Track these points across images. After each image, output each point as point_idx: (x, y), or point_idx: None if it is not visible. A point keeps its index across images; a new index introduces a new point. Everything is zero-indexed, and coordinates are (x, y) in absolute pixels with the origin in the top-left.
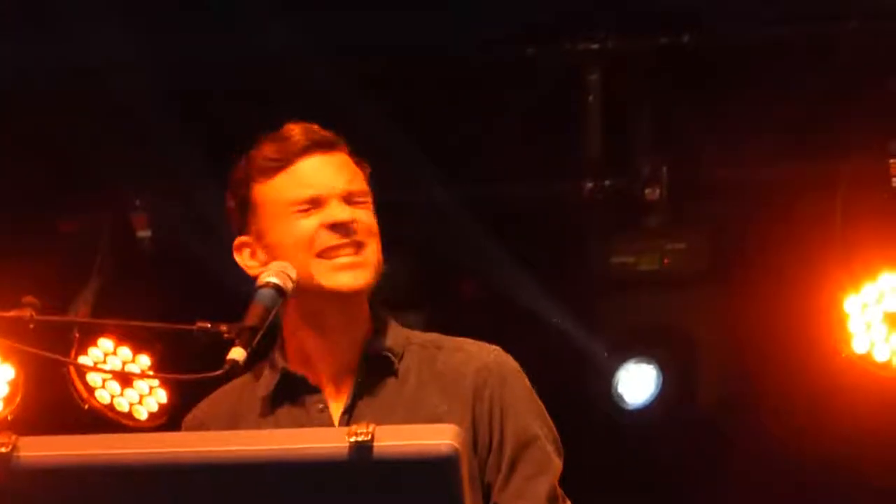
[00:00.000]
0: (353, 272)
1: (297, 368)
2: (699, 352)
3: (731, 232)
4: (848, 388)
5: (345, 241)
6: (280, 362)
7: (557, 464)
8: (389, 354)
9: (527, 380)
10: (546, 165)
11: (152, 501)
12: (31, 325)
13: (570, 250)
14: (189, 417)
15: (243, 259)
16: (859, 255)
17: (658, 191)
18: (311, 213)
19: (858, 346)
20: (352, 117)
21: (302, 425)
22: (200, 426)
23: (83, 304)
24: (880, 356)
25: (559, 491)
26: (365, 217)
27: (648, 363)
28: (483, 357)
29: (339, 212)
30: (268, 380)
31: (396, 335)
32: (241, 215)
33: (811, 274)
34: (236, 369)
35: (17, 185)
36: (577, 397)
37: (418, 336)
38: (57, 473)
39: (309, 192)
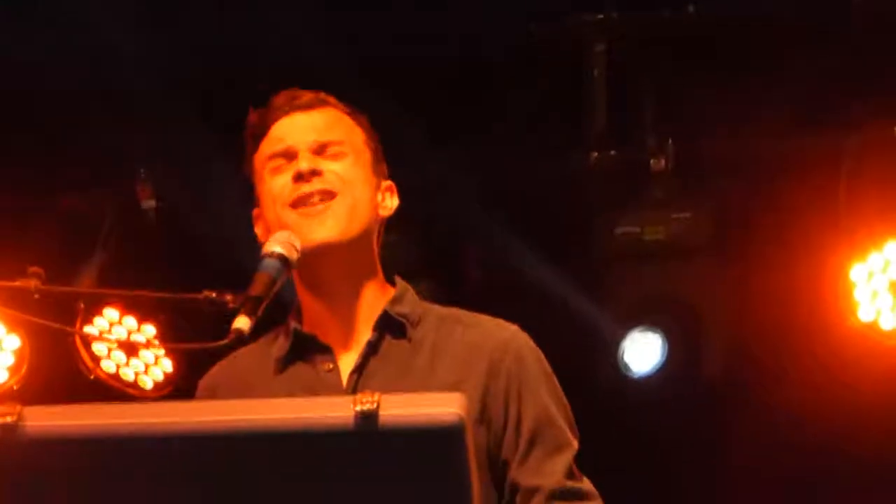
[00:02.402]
0: (320, 223)
1: (309, 329)
2: (704, 321)
3: (736, 202)
4: (853, 356)
5: (308, 190)
6: (294, 324)
7: (574, 443)
8: (404, 320)
9: (545, 359)
10: (551, 137)
11: (157, 470)
12: (37, 296)
13: (576, 221)
14: (203, 381)
15: (258, 230)
16: (865, 224)
17: (663, 161)
18: (285, 168)
19: (864, 314)
20: (355, 94)
21: (311, 385)
22: (213, 389)
23: (88, 274)
24: (886, 325)
25: (576, 469)
26: (338, 167)
27: (654, 332)
28: (501, 334)
29: (304, 163)
30: (282, 342)
31: (415, 305)
32: (253, 187)
33: (817, 243)
34: (241, 338)
35: (20, 157)
36: (582, 367)
37: (438, 309)
38: (62, 443)
39: (279, 147)
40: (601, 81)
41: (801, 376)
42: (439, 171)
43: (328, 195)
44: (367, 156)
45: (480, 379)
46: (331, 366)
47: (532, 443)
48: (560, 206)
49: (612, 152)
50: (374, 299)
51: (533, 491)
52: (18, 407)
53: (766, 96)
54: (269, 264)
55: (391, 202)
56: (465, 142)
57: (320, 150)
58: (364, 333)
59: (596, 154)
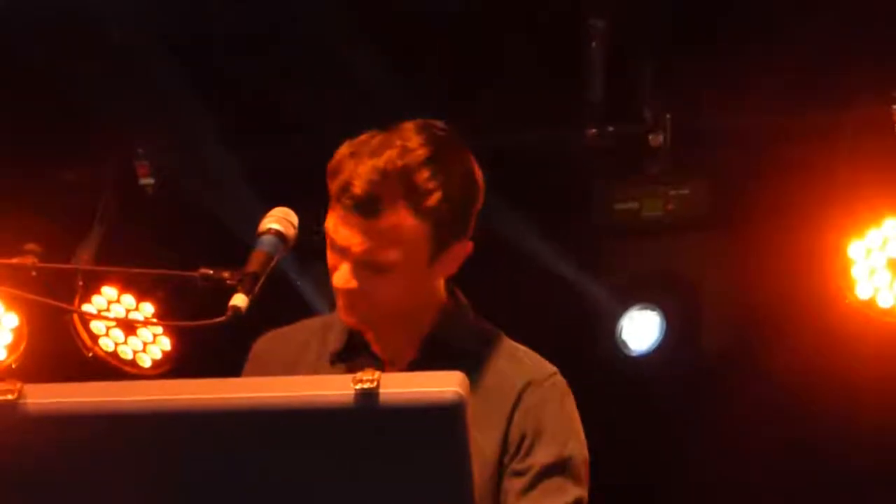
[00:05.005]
0: (347, 315)
1: (364, 331)
2: (703, 298)
3: (734, 178)
4: (851, 334)
5: (340, 303)
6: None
7: (583, 490)
8: (447, 345)
9: (572, 402)
10: (549, 111)
11: (157, 448)
12: (34, 273)
13: (574, 197)
14: (258, 344)
15: None
16: (863, 201)
17: (661, 137)
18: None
19: (862, 292)
20: (350, 64)
21: None
22: (264, 357)
23: (86, 252)
24: (884, 302)
25: None
26: (374, 288)
27: (652, 310)
28: (535, 375)
29: (339, 279)
30: (338, 334)
31: (460, 328)
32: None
33: (815, 220)
34: (238, 316)
35: (18, 133)
36: (580, 344)
37: (483, 332)
38: (63, 421)
39: (333, 243)
40: (600, 54)
41: (798, 354)
42: None
43: (355, 306)
44: (423, 251)
45: (506, 413)
46: None
47: (536, 483)
48: (557, 182)
49: (610, 128)
50: (423, 319)
51: None
52: (19, 384)
53: (765, 71)
54: (267, 241)
55: (453, 266)
56: (461, 113)
57: (363, 267)
58: (411, 350)
59: (594, 130)
